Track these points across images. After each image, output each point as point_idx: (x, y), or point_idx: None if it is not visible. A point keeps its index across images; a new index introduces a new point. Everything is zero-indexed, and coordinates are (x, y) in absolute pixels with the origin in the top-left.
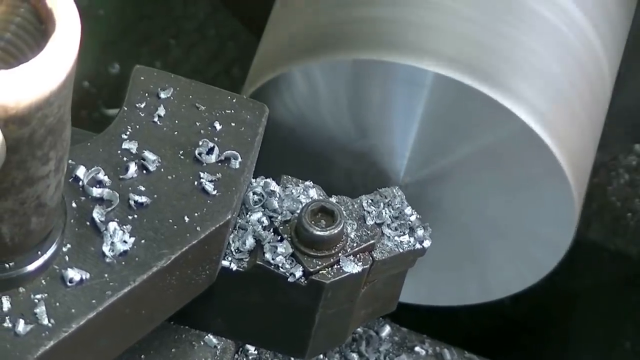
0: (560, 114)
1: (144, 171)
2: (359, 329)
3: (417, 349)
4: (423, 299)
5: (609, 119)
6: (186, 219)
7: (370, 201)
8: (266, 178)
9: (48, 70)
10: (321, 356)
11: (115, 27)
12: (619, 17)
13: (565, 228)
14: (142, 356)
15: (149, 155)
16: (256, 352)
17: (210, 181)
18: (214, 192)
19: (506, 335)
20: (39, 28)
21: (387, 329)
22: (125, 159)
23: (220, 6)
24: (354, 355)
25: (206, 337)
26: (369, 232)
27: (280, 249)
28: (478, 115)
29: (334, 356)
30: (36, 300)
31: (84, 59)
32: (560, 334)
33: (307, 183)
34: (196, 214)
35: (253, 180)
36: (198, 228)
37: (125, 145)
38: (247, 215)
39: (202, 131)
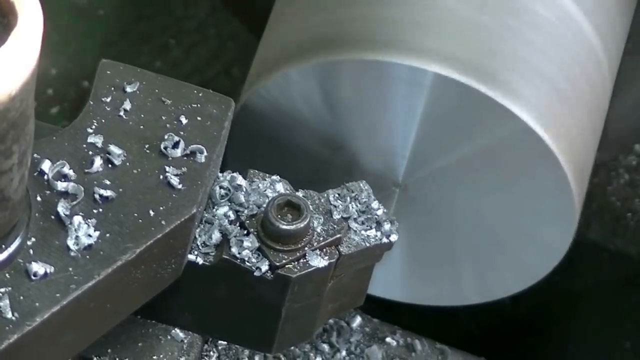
0: (560, 113)
1: (110, 165)
2: (329, 320)
3: (388, 339)
4: (423, 299)
5: (609, 119)
6: (151, 212)
7: (337, 195)
8: (233, 172)
9: (10, 65)
10: (292, 347)
11: (115, 27)
12: (619, 17)
13: (565, 228)
14: (109, 350)
15: (114, 149)
16: (226, 343)
17: (176, 175)
18: (180, 186)
19: (506, 335)
20: (1, 22)
21: (358, 320)
22: (90, 152)
23: (220, 6)
24: (325, 346)
25: (173, 331)
26: (335, 226)
27: (246, 243)
28: (478, 115)
29: (305, 347)
30: (0, 294)
31: (84, 59)
32: (560, 334)
33: (274, 177)
34: (161, 208)
35: (220, 175)
36: (163, 222)
37: (90, 139)
38: (214, 209)
39: (167, 125)
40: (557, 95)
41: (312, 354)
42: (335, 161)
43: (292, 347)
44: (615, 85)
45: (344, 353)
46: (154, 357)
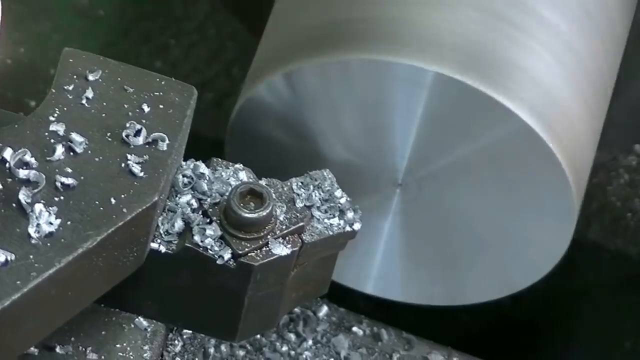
0: (560, 113)
1: (71, 153)
2: (296, 309)
3: (354, 329)
4: (423, 299)
5: (609, 119)
6: (112, 200)
7: (300, 184)
8: (196, 161)
9: None
10: (258, 336)
11: (115, 27)
12: (619, 17)
13: (565, 227)
14: (72, 338)
15: (76, 137)
16: (191, 332)
17: (138, 163)
18: (141, 174)
19: (506, 335)
20: None
21: (324, 309)
22: (52, 140)
23: (220, 6)
24: (291, 335)
25: (137, 319)
26: (298, 214)
27: (209, 231)
28: (478, 115)
29: (271, 336)
30: None
31: None
32: (560, 334)
33: (237, 166)
34: (123, 196)
35: (183, 163)
36: (124, 210)
37: (52, 127)
38: (177, 198)
39: (130, 113)
40: (557, 95)
41: (278, 344)
42: (335, 161)
43: (258, 336)
44: (616, 85)
45: (310, 342)
46: (117, 346)
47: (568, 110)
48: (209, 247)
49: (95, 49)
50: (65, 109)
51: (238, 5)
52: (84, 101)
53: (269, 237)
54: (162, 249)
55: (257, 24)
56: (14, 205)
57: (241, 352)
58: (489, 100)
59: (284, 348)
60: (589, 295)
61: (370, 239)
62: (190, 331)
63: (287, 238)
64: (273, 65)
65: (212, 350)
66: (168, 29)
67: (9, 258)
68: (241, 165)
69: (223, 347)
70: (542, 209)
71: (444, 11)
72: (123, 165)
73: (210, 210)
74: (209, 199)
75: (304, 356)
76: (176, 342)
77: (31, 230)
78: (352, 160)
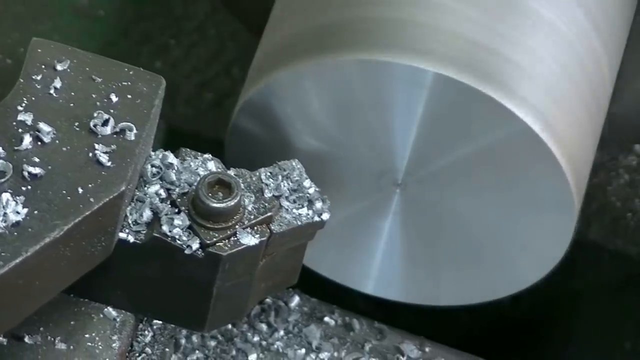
0: (560, 114)
1: (39, 143)
2: (267, 300)
3: (326, 319)
4: (423, 299)
5: (609, 119)
6: (80, 190)
7: (269, 174)
8: (165, 151)
9: None
10: (230, 327)
11: (115, 28)
12: (619, 17)
13: (565, 227)
14: (41, 328)
15: (44, 126)
16: (161, 322)
17: (105, 153)
18: (109, 164)
19: (506, 335)
20: None
21: (296, 299)
22: (20, 130)
23: (220, 6)
24: (263, 325)
25: (106, 309)
26: (266, 204)
27: (177, 221)
28: (478, 115)
29: (243, 326)
30: None
31: None
32: (560, 334)
33: (206, 156)
34: (90, 186)
35: (152, 153)
36: (92, 199)
37: (20, 117)
38: (145, 188)
39: (98, 103)
40: (557, 96)
41: (249, 334)
42: (335, 161)
43: (230, 327)
44: (616, 85)
45: (282, 332)
46: (86, 336)
47: (568, 111)
48: (177, 237)
49: (95, 49)
50: (33, 98)
51: (238, 5)
52: (52, 91)
53: (237, 227)
54: (131, 238)
55: (257, 24)
56: None
57: (212, 343)
58: (488, 100)
59: (256, 338)
60: (589, 295)
61: (370, 239)
62: (161, 322)
63: (255, 228)
64: (273, 65)
65: (183, 341)
66: (168, 29)
67: None
68: (210, 155)
69: (194, 338)
70: (542, 209)
71: (443, 11)
72: (91, 155)
73: (179, 200)
74: (177, 189)
75: (276, 346)
76: (146, 332)
77: None
78: (352, 160)
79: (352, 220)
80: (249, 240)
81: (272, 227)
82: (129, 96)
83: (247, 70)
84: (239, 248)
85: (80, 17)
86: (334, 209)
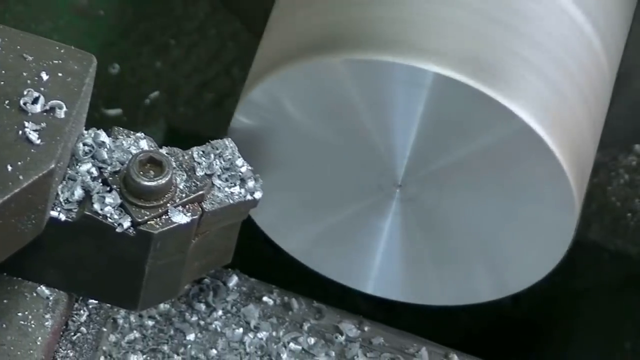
0: (560, 113)
1: None
2: (206, 279)
3: (265, 298)
4: (423, 299)
5: (609, 119)
6: (9, 167)
7: (201, 152)
8: (97, 130)
9: None
10: (168, 306)
11: (115, 27)
12: (619, 17)
13: (565, 228)
14: None
15: None
16: (97, 302)
17: (35, 130)
18: (38, 142)
19: (506, 335)
20: None
21: (234, 279)
22: None
23: (220, 6)
24: (202, 305)
25: (39, 288)
26: (198, 183)
27: (108, 200)
28: (478, 115)
29: (181, 306)
30: None
31: None
32: (560, 334)
33: (139, 134)
34: (19, 163)
35: (85, 132)
36: (21, 177)
37: None
38: (77, 166)
39: (28, 81)
40: (557, 95)
41: (187, 314)
42: (335, 161)
43: (168, 306)
44: (616, 85)
45: (220, 312)
46: (19, 314)
47: (568, 110)
48: (108, 215)
49: (95, 49)
50: None
51: (238, 6)
52: None
53: (168, 205)
54: (62, 217)
55: (257, 24)
56: None
57: (150, 322)
58: (489, 100)
59: (194, 318)
60: (589, 295)
61: (370, 239)
62: (96, 301)
63: (187, 206)
64: (273, 65)
65: (121, 320)
66: (168, 29)
67: None
68: (142, 133)
69: (132, 318)
70: (543, 208)
71: (443, 12)
72: (20, 132)
73: (111, 178)
74: (109, 168)
75: (214, 326)
76: (82, 311)
77: None
78: (352, 160)
79: (352, 220)
80: (181, 218)
81: (204, 206)
82: (60, 74)
83: (247, 70)
84: (171, 226)
85: (80, 17)
86: (334, 208)
